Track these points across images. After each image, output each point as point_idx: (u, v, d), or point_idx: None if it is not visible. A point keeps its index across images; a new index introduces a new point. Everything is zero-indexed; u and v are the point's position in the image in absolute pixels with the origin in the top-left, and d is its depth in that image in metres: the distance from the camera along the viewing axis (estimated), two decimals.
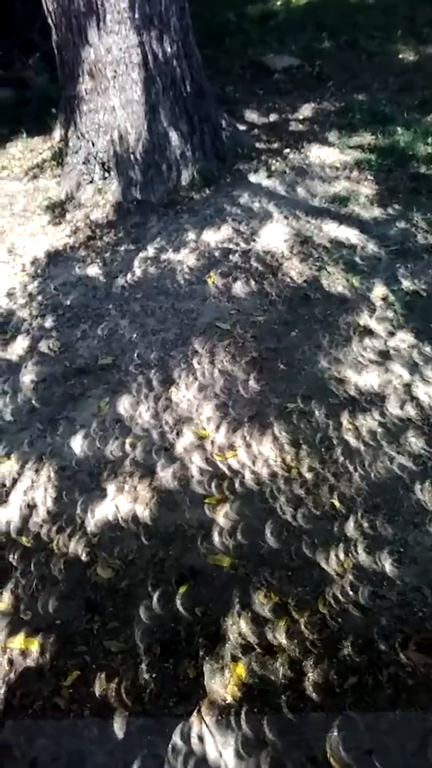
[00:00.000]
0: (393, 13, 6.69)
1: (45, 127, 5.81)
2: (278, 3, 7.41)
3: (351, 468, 2.45)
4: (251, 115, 5.32)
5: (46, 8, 4.33)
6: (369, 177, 4.26)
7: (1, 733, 1.87)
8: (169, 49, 4.30)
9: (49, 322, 3.44)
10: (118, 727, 1.82)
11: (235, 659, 1.91)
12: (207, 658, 1.93)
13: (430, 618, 1.96)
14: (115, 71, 4.25)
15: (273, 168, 4.51)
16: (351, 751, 1.66)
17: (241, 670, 1.88)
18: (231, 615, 2.02)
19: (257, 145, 4.86)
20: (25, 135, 5.91)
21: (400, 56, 5.88)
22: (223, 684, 1.87)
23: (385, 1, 7.03)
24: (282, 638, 1.94)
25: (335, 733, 1.70)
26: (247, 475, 2.46)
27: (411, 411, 2.65)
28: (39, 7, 4.45)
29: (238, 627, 1.99)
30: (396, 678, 1.81)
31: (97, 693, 1.91)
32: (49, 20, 4.38)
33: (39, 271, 3.90)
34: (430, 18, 6.46)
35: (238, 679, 1.86)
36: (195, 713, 1.81)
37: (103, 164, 4.48)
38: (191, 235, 3.93)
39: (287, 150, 4.71)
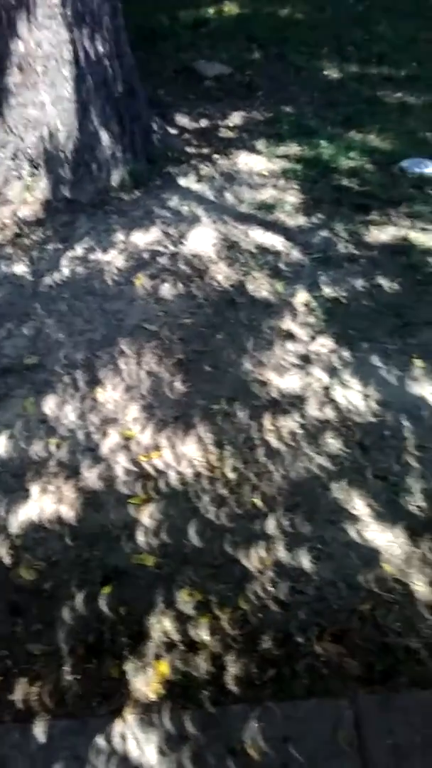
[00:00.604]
0: (320, 30, 6.90)
1: None
2: (210, 11, 7.49)
3: (272, 468, 2.53)
4: (182, 120, 5.36)
5: None
6: (294, 186, 4.40)
7: None
8: (100, 48, 4.29)
9: None
10: (40, 731, 1.81)
11: (158, 657, 1.95)
12: (131, 657, 1.95)
13: (345, 610, 2.07)
14: (45, 66, 4.19)
15: (202, 173, 4.58)
16: (268, 740, 1.73)
17: (164, 667, 1.92)
18: (155, 613, 2.06)
19: (187, 149, 4.91)
20: None
21: (326, 72, 6.08)
22: (146, 682, 1.90)
23: (313, 19, 7.24)
24: (204, 635, 1.99)
25: (253, 724, 1.76)
26: (172, 475, 2.50)
27: (330, 413, 2.76)
28: None
29: (161, 625, 2.03)
30: (312, 668, 1.90)
31: (19, 697, 1.89)
32: None
33: None
34: (355, 38, 6.71)
35: (161, 677, 1.90)
36: (118, 712, 1.82)
37: (31, 161, 4.40)
38: (120, 236, 3.93)
39: (216, 156, 4.78)
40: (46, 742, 1.78)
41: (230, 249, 3.79)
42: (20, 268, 3.73)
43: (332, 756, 1.68)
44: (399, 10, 7.32)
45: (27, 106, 4.31)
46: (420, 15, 7.25)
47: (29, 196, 4.33)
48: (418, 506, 2.39)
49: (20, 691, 1.90)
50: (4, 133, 4.43)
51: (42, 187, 4.35)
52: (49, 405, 2.82)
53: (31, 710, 1.86)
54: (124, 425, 2.71)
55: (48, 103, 4.27)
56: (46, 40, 4.13)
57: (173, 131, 5.14)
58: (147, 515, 2.35)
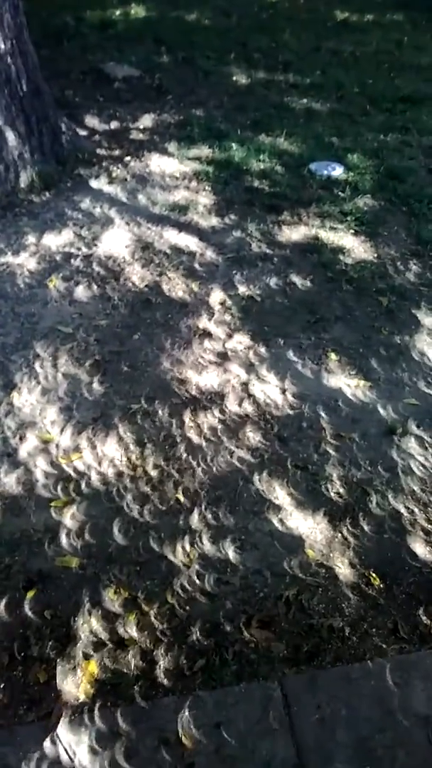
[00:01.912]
0: (227, 36, 7.04)
1: None
2: (117, 13, 7.47)
3: (194, 463, 2.55)
4: (92, 121, 5.31)
5: None
6: (207, 188, 4.45)
7: None
8: (2, 46, 4.18)
9: None
10: None
11: (87, 657, 1.92)
12: (59, 660, 1.92)
13: (270, 597, 2.11)
14: None
15: (114, 175, 4.55)
16: (201, 727, 1.75)
17: (93, 667, 1.90)
18: (81, 614, 2.03)
19: (98, 151, 4.86)
20: None
21: (234, 78, 6.20)
22: (75, 683, 1.87)
23: (220, 25, 7.36)
24: (133, 631, 1.99)
25: (185, 714, 1.78)
26: (93, 476, 2.47)
27: (248, 408, 2.82)
28: None
29: (89, 625, 2.00)
30: (240, 654, 1.93)
31: None
32: None
33: None
34: (261, 45, 6.89)
35: (91, 677, 1.88)
36: (47, 717, 1.79)
37: None
38: (31, 239, 3.84)
39: (128, 158, 4.77)
40: None
41: (144, 250, 3.79)
42: None
43: (264, 735, 1.72)
44: (302, 20, 7.58)
45: None
46: (321, 24, 7.53)
47: None
48: (337, 492, 2.48)
49: None
50: None
51: None
52: None
53: None
54: (43, 428, 2.66)
55: None
56: None
57: (83, 132, 5.08)
58: (69, 517, 2.32)
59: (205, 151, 4.89)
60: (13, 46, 4.22)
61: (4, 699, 1.85)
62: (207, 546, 2.26)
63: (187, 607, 2.06)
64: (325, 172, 4.67)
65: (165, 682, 1.87)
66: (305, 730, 1.73)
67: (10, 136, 4.29)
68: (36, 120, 4.42)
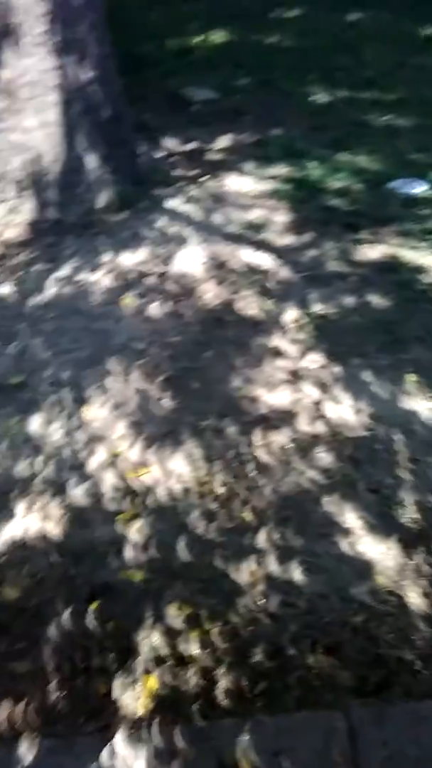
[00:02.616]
0: (307, 57, 7.05)
1: None
2: (197, 39, 7.66)
3: (262, 482, 2.51)
4: (169, 143, 5.44)
5: None
6: (283, 206, 4.44)
7: None
8: (87, 75, 4.36)
9: None
10: (26, 750, 1.76)
11: (147, 672, 1.90)
12: (119, 673, 1.91)
13: (337, 623, 2.03)
14: (32, 93, 4.25)
15: (190, 194, 4.63)
16: (260, 753, 1.69)
17: (152, 682, 1.88)
18: (143, 629, 2.02)
19: (174, 172, 4.97)
20: None
21: (314, 97, 6.20)
22: (134, 698, 1.85)
23: (300, 46, 7.39)
24: (194, 649, 1.96)
25: (245, 738, 1.72)
26: (160, 491, 2.47)
27: (320, 428, 2.76)
28: None
29: (150, 640, 1.99)
30: (303, 680, 1.86)
31: (3, 717, 1.84)
32: None
33: None
34: (342, 64, 6.86)
35: (150, 692, 1.86)
36: (105, 729, 1.78)
37: (17, 183, 4.44)
38: (107, 257, 3.95)
39: (204, 178, 4.84)
40: (33, 761, 1.73)
41: (218, 268, 3.81)
42: (5, 289, 3.73)
43: None
44: (385, 37, 7.50)
45: (13, 131, 4.36)
46: (406, 41, 7.43)
47: (15, 218, 4.35)
48: (411, 518, 2.37)
49: (5, 710, 1.85)
50: None
51: (28, 209, 4.38)
52: (35, 424, 2.79)
53: (16, 729, 1.81)
54: (112, 442, 2.69)
55: (34, 127, 4.31)
56: (33, 67, 4.19)
57: (160, 154, 5.22)
58: (135, 531, 2.32)
59: (282, 170, 4.90)
60: (98, 76, 4.40)
61: (64, 709, 1.86)
62: (272, 566, 2.21)
63: (250, 628, 2.01)
64: (406, 191, 4.56)
65: (225, 703, 1.82)
66: (370, 767, 1.63)
67: (91, 159, 4.45)
68: (116, 143, 4.57)
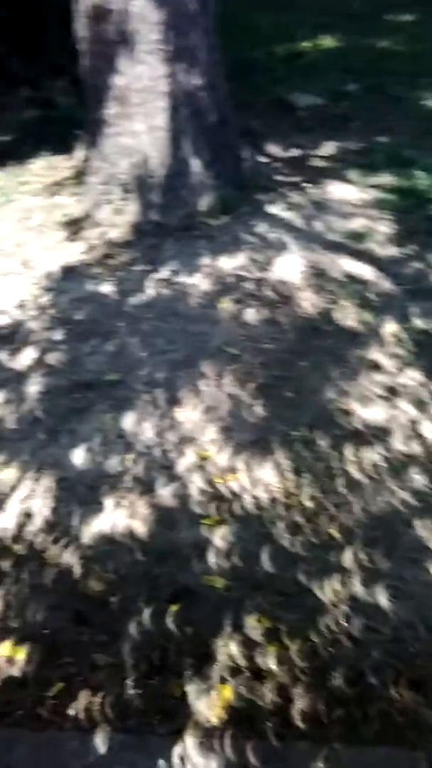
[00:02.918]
0: (420, 61, 6.85)
1: (68, 147, 5.93)
2: (305, 44, 7.62)
3: (352, 499, 2.44)
4: (273, 149, 5.43)
5: (78, 35, 4.47)
6: (387, 216, 4.33)
7: None
8: (196, 81, 4.42)
9: (58, 336, 3.47)
10: (100, 742, 1.78)
11: (222, 681, 1.89)
12: (194, 679, 1.90)
13: (423, 655, 1.94)
14: (142, 98, 4.36)
15: (292, 201, 4.59)
16: None
17: (228, 692, 1.86)
18: (221, 637, 2.00)
19: (277, 177, 4.95)
20: (48, 153, 6.03)
21: (425, 102, 6.01)
22: (209, 705, 1.84)
23: (413, 50, 7.20)
24: (272, 663, 1.92)
25: (319, 764, 1.67)
26: (247, 499, 2.45)
27: (416, 448, 2.65)
28: (70, 32, 4.60)
29: (227, 649, 1.96)
30: (384, 713, 1.78)
31: (81, 706, 1.88)
32: (80, 46, 4.51)
33: (52, 284, 3.95)
34: None
35: (225, 702, 1.84)
36: (179, 734, 1.78)
37: (123, 186, 4.56)
38: (206, 260, 3.98)
39: (307, 184, 4.79)
40: (106, 753, 1.75)
41: (318, 277, 3.75)
42: (106, 288, 3.84)
43: None
44: None
45: (122, 135, 4.49)
46: None
47: (118, 219, 4.48)
48: None
49: (82, 700, 1.88)
50: (99, 159, 4.63)
51: (131, 210, 4.49)
52: (128, 421, 2.85)
53: (92, 720, 1.84)
54: (201, 446, 2.70)
55: (142, 132, 4.42)
56: (144, 73, 4.30)
57: (264, 160, 5.21)
58: (219, 537, 2.31)
59: (387, 178, 4.77)
60: (206, 82, 4.46)
61: (139, 706, 1.87)
62: (357, 588, 2.13)
63: (331, 649, 1.95)
64: None
65: (300, 724, 1.77)
66: None
67: (195, 163, 4.51)
68: (220, 148, 4.61)
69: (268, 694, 1.84)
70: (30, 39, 6.92)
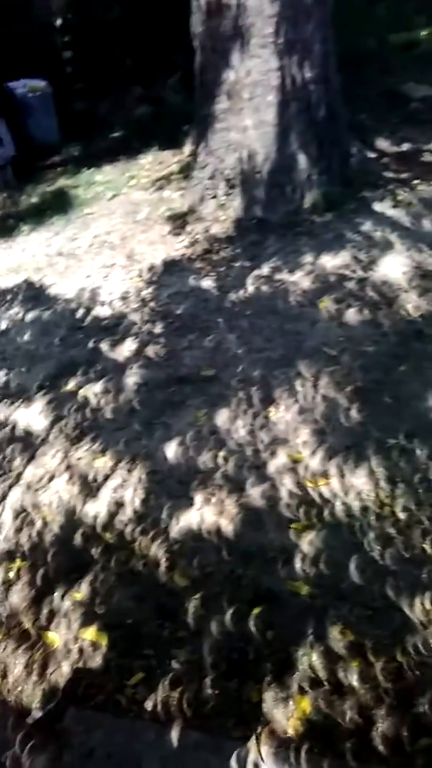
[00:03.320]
0: None
1: (176, 142, 6.02)
2: (423, 33, 7.28)
3: None
4: (382, 143, 5.24)
5: (193, 31, 4.51)
6: None
7: (64, 719, 1.91)
8: (308, 74, 4.34)
9: (158, 329, 3.53)
10: (175, 737, 1.80)
11: (301, 692, 1.84)
12: (273, 686, 1.87)
13: None
14: (252, 93, 4.33)
15: (399, 198, 4.41)
16: None
17: (306, 704, 1.81)
18: (303, 645, 1.96)
19: (385, 173, 4.77)
20: (156, 148, 6.16)
21: None
22: (285, 715, 1.80)
23: None
24: (354, 680, 1.85)
25: None
26: (338, 506, 2.38)
27: None
28: (183, 31, 4.64)
29: (309, 659, 1.92)
30: None
31: (159, 699, 1.90)
32: (195, 42, 4.55)
33: (154, 278, 4.02)
34: None
35: (302, 714, 1.79)
36: (254, 739, 1.75)
37: (228, 181, 4.57)
38: (308, 258, 3.91)
39: (416, 181, 4.59)
40: (179, 749, 1.77)
41: (423, 278, 3.58)
42: (207, 283, 3.86)
43: None
44: None
45: (230, 130, 4.48)
46: None
47: (222, 214, 4.49)
48: None
49: (160, 693, 1.91)
50: (206, 155, 4.66)
51: (235, 206, 4.49)
52: (222, 418, 2.85)
53: (169, 713, 1.86)
54: (294, 447, 2.66)
55: (250, 127, 4.40)
56: (255, 68, 4.27)
57: (372, 155, 5.04)
58: (307, 542, 2.26)
59: None
60: (317, 75, 4.36)
61: (216, 707, 1.87)
62: None
63: (418, 672, 1.86)
64: None
65: (381, 748, 1.70)
66: None
67: (302, 159, 4.43)
68: (328, 144, 4.51)
69: (348, 712, 1.78)
70: (143, 38, 7.07)
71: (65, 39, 7.32)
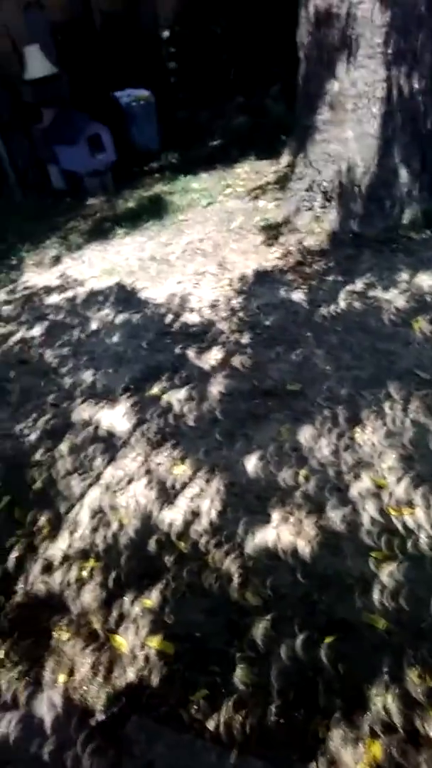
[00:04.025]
0: None
1: (274, 152, 5.99)
2: None
3: None
4: None
5: (299, 41, 4.46)
6: None
7: (126, 726, 1.89)
8: (416, 85, 4.19)
9: (245, 339, 3.50)
10: (235, 762, 1.74)
11: (373, 735, 1.74)
12: (342, 723, 1.78)
13: None
14: (356, 104, 4.23)
15: None
16: None
17: (377, 749, 1.71)
18: (377, 684, 1.86)
19: None
20: (253, 158, 6.15)
21: None
22: (354, 758, 1.71)
23: None
24: (431, 730, 1.73)
25: None
26: (423, 538, 2.26)
27: None
28: (286, 42, 4.60)
29: (383, 700, 1.82)
30: None
31: (222, 719, 1.85)
32: (300, 53, 4.50)
33: (244, 288, 3.99)
34: None
35: (372, 759, 1.70)
36: None
37: (325, 193, 4.48)
38: (404, 276, 3.77)
39: None
40: None
41: None
42: (298, 296, 3.80)
43: None
44: None
45: (330, 141, 4.40)
46: None
47: (317, 227, 4.41)
48: None
49: (224, 714, 1.86)
50: (304, 166, 4.60)
51: (331, 219, 4.40)
52: (305, 435, 2.78)
53: (231, 736, 1.81)
54: (379, 472, 2.55)
55: (351, 138, 4.30)
56: (361, 78, 4.17)
57: None
58: (387, 573, 2.15)
59: None
60: (426, 85, 4.21)
61: (280, 736, 1.80)
62: None
63: None
64: None
65: None
66: None
67: (403, 173, 4.29)
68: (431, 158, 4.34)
69: (423, 765, 1.66)
70: (246, 50, 7.11)
71: (171, 50, 7.47)
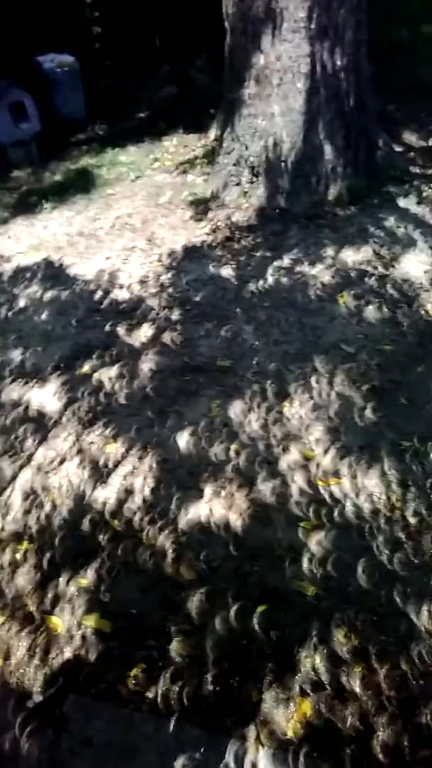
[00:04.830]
0: None
1: (202, 125, 5.94)
2: None
3: None
4: (410, 137, 5.15)
5: (225, 12, 4.41)
6: None
7: (63, 705, 1.91)
8: (338, 62, 4.25)
9: (175, 315, 3.50)
10: (174, 732, 1.80)
11: (303, 694, 1.84)
12: (274, 686, 1.87)
13: None
14: (281, 79, 4.25)
15: (425, 194, 4.34)
16: None
17: (307, 707, 1.80)
18: (306, 647, 1.95)
19: (412, 168, 4.69)
20: (181, 131, 6.08)
21: None
22: (285, 717, 1.80)
23: None
24: (356, 685, 1.84)
25: None
26: (348, 507, 2.36)
27: None
28: (213, 10, 4.54)
29: (312, 661, 1.91)
30: None
31: (159, 691, 1.90)
32: (225, 23, 4.46)
33: (174, 263, 3.98)
34: None
35: (303, 716, 1.79)
36: (253, 739, 1.75)
37: (252, 168, 4.50)
38: (329, 252, 3.85)
39: None
40: (177, 745, 1.76)
41: None
42: (227, 271, 3.82)
43: None
44: None
45: (257, 116, 4.41)
46: None
47: (245, 202, 4.43)
48: None
49: (161, 686, 1.90)
50: (231, 140, 4.59)
51: (258, 194, 4.43)
52: (235, 410, 2.83)
53: (169, 707, 1.86)
54: (306, 444, 2.63)
55: (277, 114, 4.32)
56: (286, 53, 4.18)
57: (399, 149, 4.96)
58: (315, 542, 2.25)
59: None
60: (348, 63, 4.27)
61: (216, 703, 1.86)
62: None
63: (422, 682, 1.84)
64: None
65: (380, 757, 1.69)
66: None
67: (328, 149, 4.35)
68: (355, 135, 4.43)
69: (349, 718, 1.77)
70: (173, 16, 6.96)
71: (95, 14, 7.22)
